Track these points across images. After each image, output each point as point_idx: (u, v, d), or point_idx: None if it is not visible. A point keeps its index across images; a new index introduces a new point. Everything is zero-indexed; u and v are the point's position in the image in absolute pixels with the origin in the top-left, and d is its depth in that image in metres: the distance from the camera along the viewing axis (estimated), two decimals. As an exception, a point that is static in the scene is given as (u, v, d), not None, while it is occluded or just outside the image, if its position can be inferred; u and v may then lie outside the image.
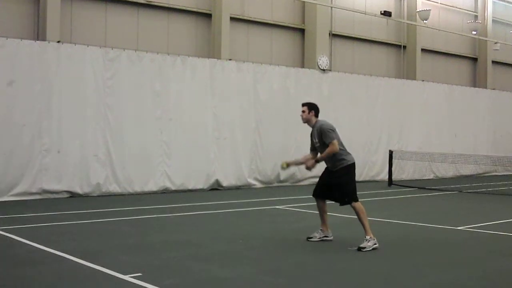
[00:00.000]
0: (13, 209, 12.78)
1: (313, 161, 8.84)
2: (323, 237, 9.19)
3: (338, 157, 8.82)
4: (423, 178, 23.00)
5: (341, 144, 8.89)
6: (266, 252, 8.59)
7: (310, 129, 9.22)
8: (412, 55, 25.88)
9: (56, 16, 16.44)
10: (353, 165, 8.94)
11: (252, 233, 10.31)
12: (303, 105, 9.11)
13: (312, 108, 9.05)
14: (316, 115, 9.08)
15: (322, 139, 8.81)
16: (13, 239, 9.19)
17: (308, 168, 8.86)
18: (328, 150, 8.73)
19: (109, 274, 6.88)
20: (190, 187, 17.13)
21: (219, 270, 7.28)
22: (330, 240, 9.17)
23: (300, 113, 9.08)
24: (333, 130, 8.85)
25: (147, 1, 18.52)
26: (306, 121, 9.09)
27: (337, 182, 8.79)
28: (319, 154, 9.01)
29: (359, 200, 8.82)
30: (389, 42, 25.55)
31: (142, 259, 7.79)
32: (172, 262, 7.69)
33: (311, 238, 9.20)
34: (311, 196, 9.37)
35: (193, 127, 17.30)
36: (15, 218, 11.53)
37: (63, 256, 7.79)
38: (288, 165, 9.19)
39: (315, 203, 9.30)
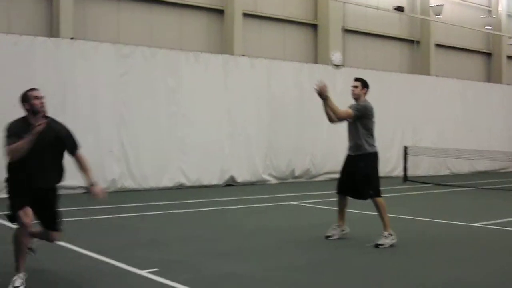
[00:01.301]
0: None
1: (326, 94, 8.50)
2: (341, 232, 9.04)
3: (365, 142, 8.64)
4: (438, 174, 22.89)
5: (372, 132, 8.73)
6: (282, 247, 8.56)
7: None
8: (426, 50, 25.76)
9: (69, 13, 16.47)
10: (377, 155, 8.76)
11: (267, 228, 10.28)
12: (357, 80, 8.88)
13: (365, 85, 8.87)
14: (365, 94, 8.88)
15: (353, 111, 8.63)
16: (30, 235, 9.20)
17: (320, 88, 8.47)
18: (340, 110, 8.57)
19: (126, 270, 6.87)
20: (205, 183, 17.12)
21: (234, 266, 7.25)
22: (347, 235, 9.07)
23: (352, 88, 8.82)
24: (370, 115, 8.70)
25: (160, -3, 18.53)
26: (357, 97, 8.81)
27: (363, 170, 8.60)
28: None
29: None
30: (402, 37, 25.43)
31: (158, 255, 7.78)
32: (188, 257, 7.67)
33: (330, 236, 9.01)
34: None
35: (207, 123, 17.28)
36: (30, 214, 11.54)
37: (80, 252, 7.80)
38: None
39: (336, 199, 9.13)
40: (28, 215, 5.83)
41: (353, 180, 8.73)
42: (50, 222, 6.28)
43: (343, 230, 9.08)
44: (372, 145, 8.74)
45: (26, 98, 6.21)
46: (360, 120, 8.67)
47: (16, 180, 6.03)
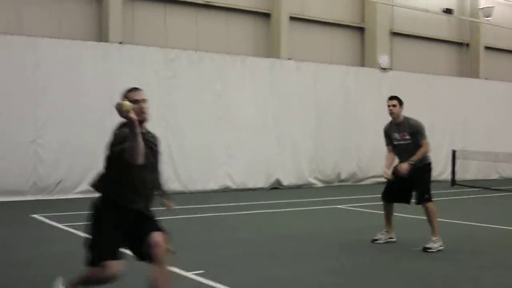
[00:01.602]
0: (78, 206, 13.01)
1: (407, 164, 8.48)
2: (388, 238, 9.02)
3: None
4: (488, 178, 22.49)
5: None
6: (327, 251, 8.54)
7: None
8: (475, 53, 25.31)
9: (118, 17, 16.70)
10: (430, 164, 8.83)
11: (312, 232, 10.25)
12: (393, 98, 8.75)
13: (401, 103, 8.75)
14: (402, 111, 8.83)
15: (414, 136, 8.57)
16: (79, 235, 9.36)
17: (404, 171, 8.49)
18: (423, 150, 8.53)
19: (172, 271, 6.92)
20: (250, 186, 17.19)
21: (279, 269, 7.25)
22: (395, 242, 9.02)
23: (391, 107, 8.67)
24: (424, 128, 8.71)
25: (206, 2, 18.62)
26: (397, 116, 8.72)
27: (420, 178, 8.58)
28: (393, 155, 8.85)
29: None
30: (451, 40, 25.04)
31: (204, 257, 7.82)
32: (233, 260, 7.70)
33: (376, 240, 8.99)
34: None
35: (253, 126, 17.34)
36: (80, 215, 11.68)
37: (126, 252, 7.88)
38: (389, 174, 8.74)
39: (383, 205, 9.10)
40: (119, 265, 4.84)
41: (405, 188, 8.68)
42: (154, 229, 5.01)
43: (391, 238, 9.03)
44: (426, 156, 8.72)
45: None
46: (414, 139, 8.63)
47: (112, 204, 4.95)
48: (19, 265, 7.33)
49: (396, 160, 8.89)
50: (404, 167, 8.48)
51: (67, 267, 7.24)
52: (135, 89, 5.09)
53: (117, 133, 4.89)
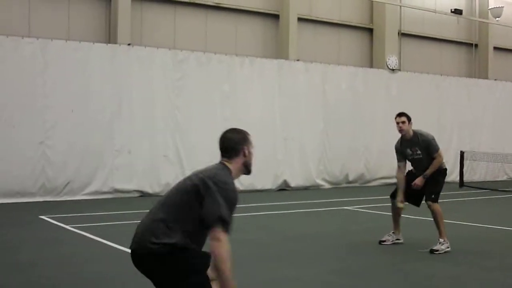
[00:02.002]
0: (86, 207, 13.11)
1: (422, 179, 8.59)
2: (395, 240, 9.03)
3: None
4: (496, 180, 22.42)
5: None
6: (334, 252, 8.55)
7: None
8: (484, 54, 25.25)
9: (126, 19, 16.77)
10: (446, 170, 8.87)
11: (320, 233, 10.26)
12: (402, 115, 8.77)
13: (410, 119, 8.79)
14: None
15: (426, 150, 8.61)
16: (87, 236, 9.41)
17: (419, 187, 8.60)
18: (436, 162, 8.59)
19: None
20: (258, 187, 17.18)
21: (287, 270, 7.28)
22: (402, 243, 9.02)
23: (400, 124, 8.69)
24: (435, 138, 8.74)
25: (215, 3, 18.67)
26: (406, 132, 8.74)
27: (433, 180, 8.61)
28: (408, 168, 8.93)
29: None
30: (460, 40, 24.99)
31: (211, 258, 7.82)
32: (241, 261, 7.69)
33: (383, 241, 9.02)
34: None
35: (261, 127, 17.30)
36: (88, 217, 11.81)
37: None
38: (403, 202, 8.78)
39: (391, 205, 9.10)
40: None
41: (416, 189, 8.69)
42: None
43: (398, 239, 9.05)
44: (442, 163, 8.77)
45: (246, 141, 4.34)
46: (428, 152, 8.66)
47: None
48: (25, 266, 7.38)
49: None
50: (419, 183, 8.59)
51: (73, 268, 7.30)
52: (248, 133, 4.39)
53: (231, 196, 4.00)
